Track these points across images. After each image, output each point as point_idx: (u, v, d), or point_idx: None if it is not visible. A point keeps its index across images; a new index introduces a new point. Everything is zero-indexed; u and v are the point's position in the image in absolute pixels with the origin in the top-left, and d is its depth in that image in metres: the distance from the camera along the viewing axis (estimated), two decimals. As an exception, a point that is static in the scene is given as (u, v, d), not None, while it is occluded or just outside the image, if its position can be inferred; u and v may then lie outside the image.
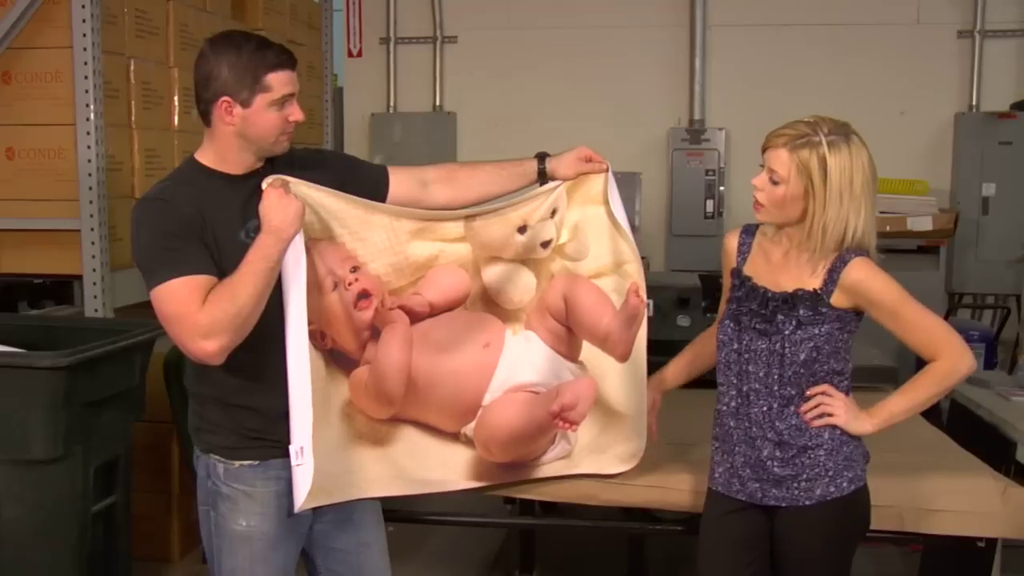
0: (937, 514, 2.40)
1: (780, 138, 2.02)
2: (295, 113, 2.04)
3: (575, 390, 2.38)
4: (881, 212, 5.36)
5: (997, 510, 2.39)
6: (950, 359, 2.03)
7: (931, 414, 3.71)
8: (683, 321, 3.43)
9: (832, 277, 2.04)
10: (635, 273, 2.39)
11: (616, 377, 2.44)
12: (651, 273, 4.84)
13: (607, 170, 2.37)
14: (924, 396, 2.08)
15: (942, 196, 5.80)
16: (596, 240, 2.41)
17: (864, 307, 2.06)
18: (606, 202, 2.37)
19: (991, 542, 2.53)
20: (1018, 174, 5.68)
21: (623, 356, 2.42)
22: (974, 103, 5.90)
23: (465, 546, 3.94)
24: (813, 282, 2.06)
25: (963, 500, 2.41)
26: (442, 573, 3.80)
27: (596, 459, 2.46)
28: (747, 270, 2.17)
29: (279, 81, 2.00)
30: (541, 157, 2.37)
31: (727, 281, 2.23)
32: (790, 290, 2.07)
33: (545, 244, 2.38)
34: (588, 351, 2.44)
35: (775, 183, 2.03)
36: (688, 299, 3.50)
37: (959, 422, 3.43)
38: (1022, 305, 5.48)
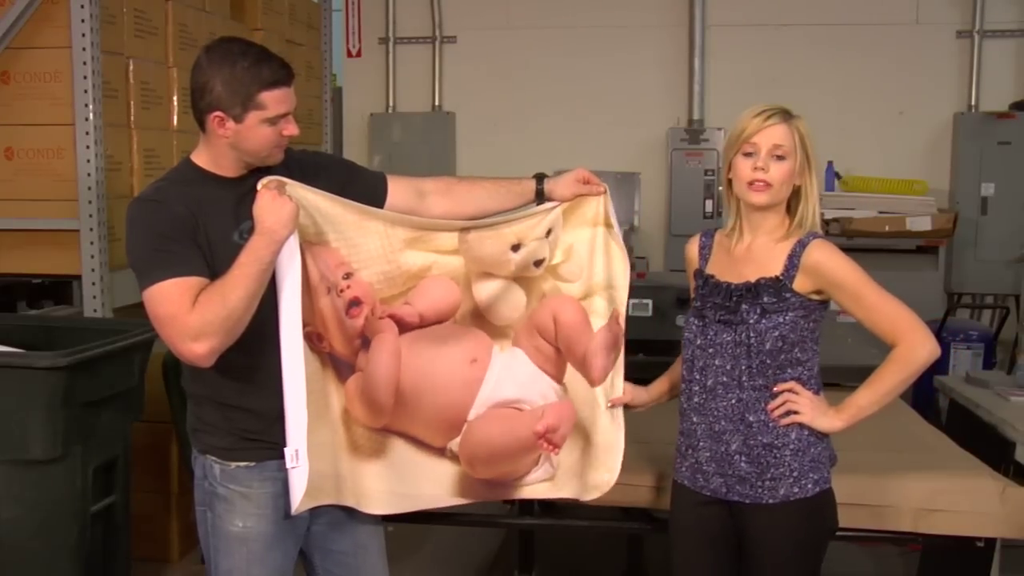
0: (936, 514, 2.40)
1: (773, 116, 2.05)
2: (289, 128, 2.03)
3: (558, 412, 2.34)
4: (880, 212, 5.38)
5: (996, 510, 2.39)
6: (909, 343, 2.02)
7: (930, 414, 3.72)
8: (682, 321, 3.43)
9: (792, 262, 2.06)
10: (620, 301, 2.36)
11: (590, 403, 2.39)
12: (650, 273, 4.86)
13: (604, 193, 2.36)
14: (889, 385, 2.05)
15: (941, 196, 5.80)
16: (589, 261, 2.39)
17: (826, 289, 2.06)
18: (605, 224, 2.36)
19: (990, 542, 2.53)
20: (1017, 174, 5.67)
21: (596, 380, 2.37)
22: (973, 103, 5.90)
23: (464, 546, 3.94)
24: (774, 269, 2.07)
25: (962, 500, 2.41)
26: (441, 573, 3.80)
27: (576, 484, 2.41)
28: (709, 269, 2.20)
29: (273, 99, 1.98)
30: (539, 178, 2.38)
31: (692, 285, 2.25)
32: (753, 280, 2.08)
33: (538, 263, 2.37)
34: (570, 373, 2.41)
35: (781, 158, 2.04)
36: (687, 299, 3.49)
37: (958, 422, 3.43)
38: (1021, 305, 5.48)
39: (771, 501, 2.07)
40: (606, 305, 2.38)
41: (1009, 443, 3.01)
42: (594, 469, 2.40)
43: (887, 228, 5.30)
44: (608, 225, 2.36)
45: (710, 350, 2.12)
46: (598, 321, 2.39)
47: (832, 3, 6.01)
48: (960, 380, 3.64)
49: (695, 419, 2.15)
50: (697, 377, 2.14)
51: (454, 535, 3.90)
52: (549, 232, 2.36)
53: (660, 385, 2.41)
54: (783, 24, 6.06)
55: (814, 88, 5.85)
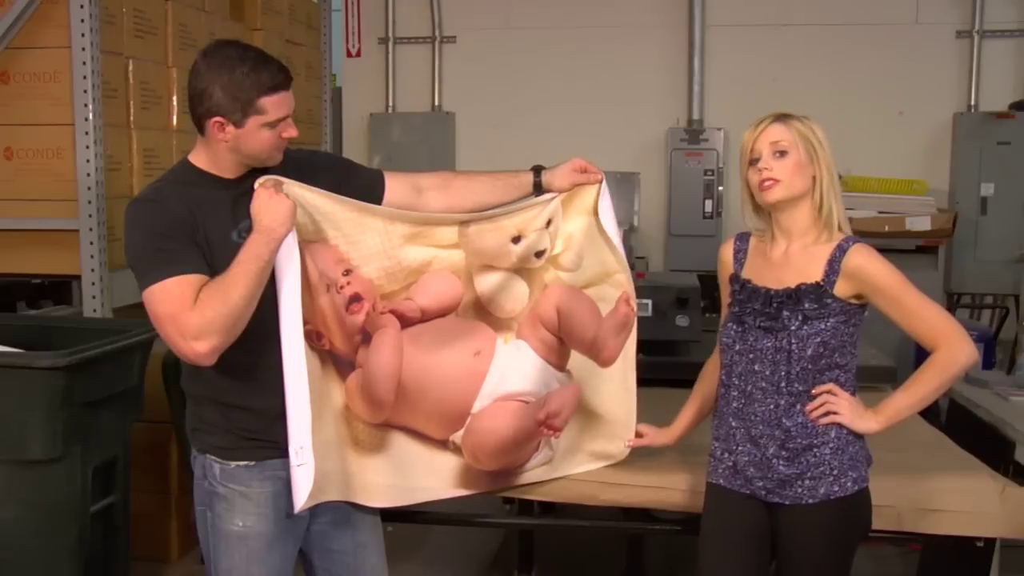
0: (936, 514, 2.40)
1: (767, 119, 2.10)
2: (289, 131, 2.03)
3: (560, 397, 2.39)
4: (880, 212, 5.38)
5: (996, 510, 2.38)
6: (950, 348, 2.03)
7: (930, 414, 3.72)
8: (682, 321, 3.43)
9: (833, 267, 2.06)
10: (625, 283, 2.43)
11: (597, 380, 2.46)
12: (650, 273, 4.85)
13: (601, 181, 2.39)
14: (928, 389, 2.07)
15: (941, 196, 5.80)
16: (588, 250, 2.42)
17: (866, 294, 2.07)
18: (597, 212, 2.38)
19: (990, 542, 2.53)
20: (1016, 174, 5.67)
21: (607, 361, 2.45)
22: (973, 103, 5.90)
23: (464, 546, 3.94)
24: (814, 275, 2.07)
25: (962, 500, 2.40)
26: (441, 573, 3.80)
27: (572, 459, 2.49)
28: (746, 274, 2.19)
29: (273, 104, 1.99)
30: (537, 170, 2.38)
31: (726, 289, 2.25)
32: (793, 286, 2.08)
33: (539, 254, 2.38)
34: (573, 357, 2.46)
35: (783, 153, 2.06)
36: (687, 299, 3.49)
37: (958, 422, 3.43)
38: (1020, 305, 5.48)
39: (811, 501, 2.07)
40: (614, 291, 2.43)
41: (1009, 443, 3.01)
42: (605, 440, 2.49)
43: (887, 228, 5.31)
44: (595, 213, 2.39)
45: (750, 355, 2.12)
46: (606, 307, 2.42)
47: (832, 3, 6.02)
48: (960, 380, 3.63)
49: (734, 423, 2.15)
50: (736, 382, 2.14)
51: (453, 535, 3.90)
52: (549, 223, 2.37)
53: (685, 418, 2.42)
54: (783, 24, 6.06)
55: (814, 88, 5.86)
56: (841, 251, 2.06)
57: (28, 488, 2.80)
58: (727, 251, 2.26)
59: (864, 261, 2.05)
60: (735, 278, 2.20)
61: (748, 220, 2.19)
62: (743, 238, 2.24)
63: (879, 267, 2.05)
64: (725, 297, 2.25)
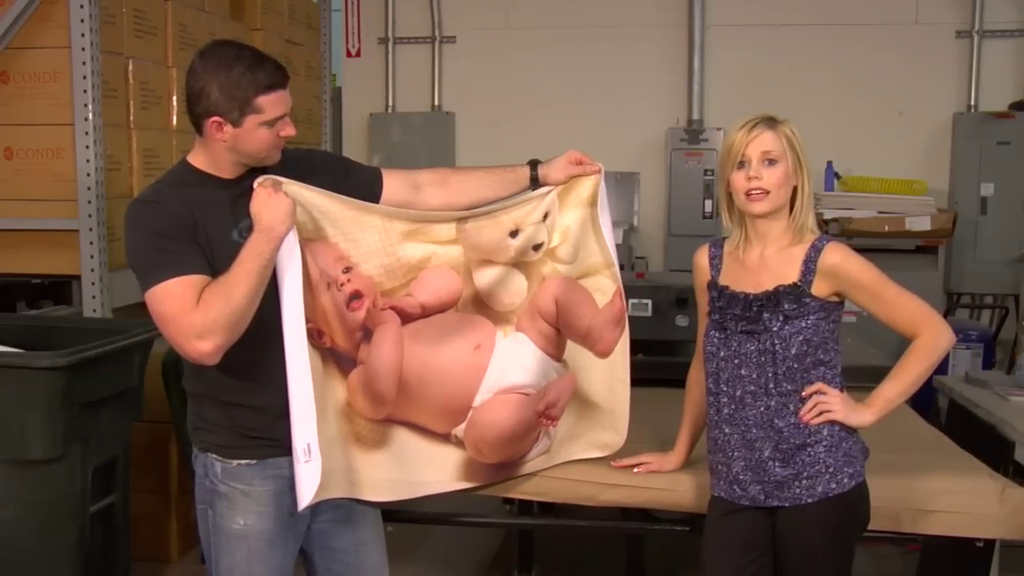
0: (935, 514, 2.40)
1: (758, 125, 2.10)
2: (287, 129, 2.04)
3: (558, 387, 2.43)
4: (880, 212, 5.37)
5: (995, 510, 2.38)
6: (931, 334, 2.07)
7: (930, 414, 3.72)
8: (682, 321, 3.43)
9: (809, 267, 2.09)
10: (617, 276, 2.46)
11: (592, 370, 2.50)
12: (650, 273, 4.85)
13: (599, 172, 2.40)
14: (914, 375, 2.10)
15: (940, 196, 5.80)
16: (584, 242, 2.45)
17: (844, 290, 2.10)
18: (593, 205, 2.41)
19: (989, 542, 2.53)
20: (1016, 174, 5.67)
21: (603, 353, 2.49)
22: (972, 103, 5.90)
23: (464, 546, 3.95)
24: (791, 276, 2.09)
25: (961, 500, 2.40)
26: (441, 573, 3.80)
27: (570, 447, 2.53)
28: (723, 280, 2.21)
29: (270, 103, 1.99)
30: (533, 164, 2.40)
31: (704, 297, 2.27)
32: (771, 288, 2.10)
33: (537, 248, 2.41)
34: (568, 346, 2.49)
35: (773, 163, 2.08)
36: (687, 299, 3.50)
37: (957, 422, 3.43)
38: (1020, 305, 5.48)
39: (810, 500, 2.09)
40: (609, 283, 2.46)
41: (1009, 443, 3.01)
42: (603, 430, 2.54)
43: (886, 228, 5.30)
44: (593, 204, 2.41)
45: (735, 361, 2.13)
46: (602, 299, 2.45)
47: (832, 3, 6.01)
48: (960, 380, 3.64)
49: (727, 430, 2.16)
50: (725, 389, 2.16)
51: (453, 535, 3.90)
52: (546, 216, 2.40)
53: (684, 437, 2.45)
54: (783, 24, 6.05)
55: (814, 88, 5.85)
56: (816, 250, 2.09)
57: (28, 488, 2.80)
58: (703, 258, 2.28)
59: (840, 259, 2.08)
60: (713, 285, 2.22)
61: (724, 219, 2.22)
62: (717, 244, 2.27)
63: (855, 263, 2.09)
64: (703, 305, 2.28)
